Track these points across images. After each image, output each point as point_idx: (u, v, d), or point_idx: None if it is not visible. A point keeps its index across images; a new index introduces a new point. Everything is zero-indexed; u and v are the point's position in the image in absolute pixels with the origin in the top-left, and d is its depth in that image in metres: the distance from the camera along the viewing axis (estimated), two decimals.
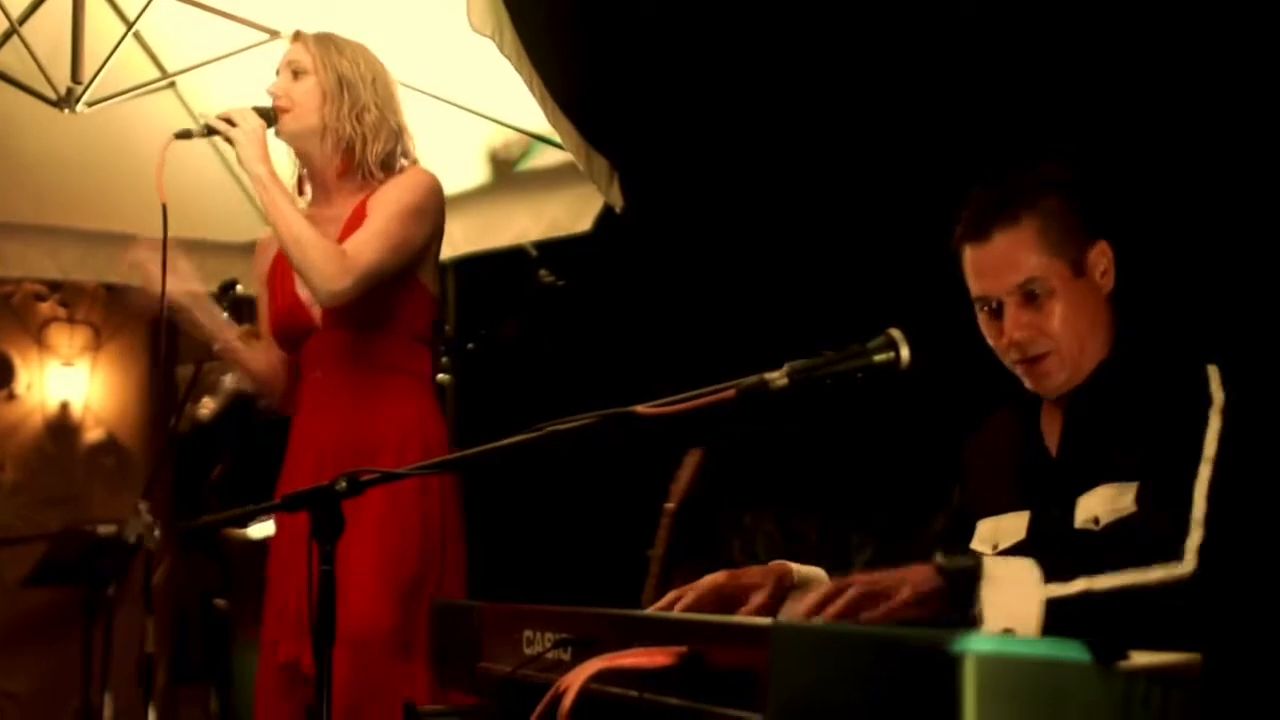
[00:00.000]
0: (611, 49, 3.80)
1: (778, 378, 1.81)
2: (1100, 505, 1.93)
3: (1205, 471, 1.86)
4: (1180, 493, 1.85)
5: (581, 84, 3.60)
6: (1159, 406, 1.95)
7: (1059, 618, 1.71)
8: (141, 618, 4.83)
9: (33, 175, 4.41)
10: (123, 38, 3.81)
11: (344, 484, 1.91)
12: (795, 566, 2.06)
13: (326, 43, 2.99)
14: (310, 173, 3.04)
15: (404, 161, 3.01)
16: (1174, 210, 2.90)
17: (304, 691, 2.76)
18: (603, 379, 3.33)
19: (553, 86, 3.47)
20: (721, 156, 4.07)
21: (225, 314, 3.24)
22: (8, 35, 3.74)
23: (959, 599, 1.71)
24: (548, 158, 4.11)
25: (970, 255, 2.09)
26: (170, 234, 2.91)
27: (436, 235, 3.00)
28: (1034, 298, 2.04)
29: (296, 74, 2.97)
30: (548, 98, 3.49)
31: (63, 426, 6.67)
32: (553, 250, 4.44)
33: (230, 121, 2.85)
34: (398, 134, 3.00)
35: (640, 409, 1.83)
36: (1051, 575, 1.74)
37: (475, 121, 3.99)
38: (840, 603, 1.70)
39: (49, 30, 3.75)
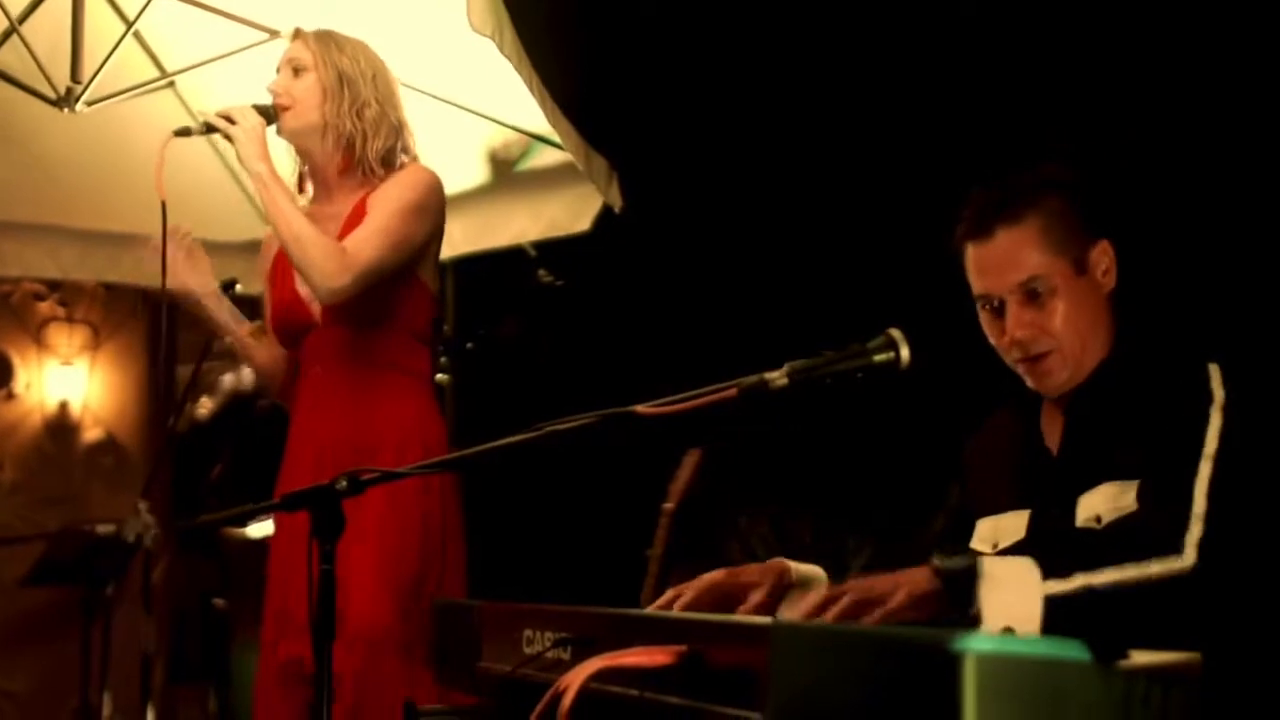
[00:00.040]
0: (611, 49, 3.80)
1: (778, 377, 1.81)
2: (1102, 504, 1.93)
3: (1205, 468, 1.86)
4: (1180, 489, 1.85)
5: (581, 84, 3.60)
6: (1160, 404, 1.96)
7: (1059, 614, 1.70)
8: (140, 617, 4.83)
9: (32, 174, 4.41)
10: (122, 37, 3.80)
11: (344, 483, 1.91)
12: (794, 565, 2.06)
13: (326, 40, 3.00)
14: (311, 170, 3.04)
15: (404, 158, 3.01)
16: (1174, 209, 2.90)
17: (306, 690, 2.76)
18: (602, 379, 3.33)
19: (552, 86, 3.47)
20: (721, 156, 4.07)
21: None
22: (7, 34, 3.73)
23: (957, 599, 1.71)
24: (547, 158, 4.11)
25: (972, 253, 2.09)
26: (165, 223, 2.91)
27: (437, 233, 3.00)
28: (1036, 296, 2.04)
29: (297, 71, 2.97)
30: (547, 98, 3.49)
31: (61, 426, 6.67)
32: (552, 250, 4.44)
33: (230, 119, 2.85)
34: (398, 130, 3.00)
35: (640, 409, 1.83)
36: (1051, 573, 1.74)
37: (475, 121, 3.99)
38: (835, 610, 1.70)
39: (49, 29, 3.74)
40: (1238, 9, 2.82)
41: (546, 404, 2.09)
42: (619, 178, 3.84)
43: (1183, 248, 2.87)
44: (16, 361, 6.62)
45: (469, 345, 4.80)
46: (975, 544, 2.13)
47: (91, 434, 6.73)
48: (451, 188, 3.10)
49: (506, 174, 4.25)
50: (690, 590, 1.97)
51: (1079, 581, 1.74)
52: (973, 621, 1.69)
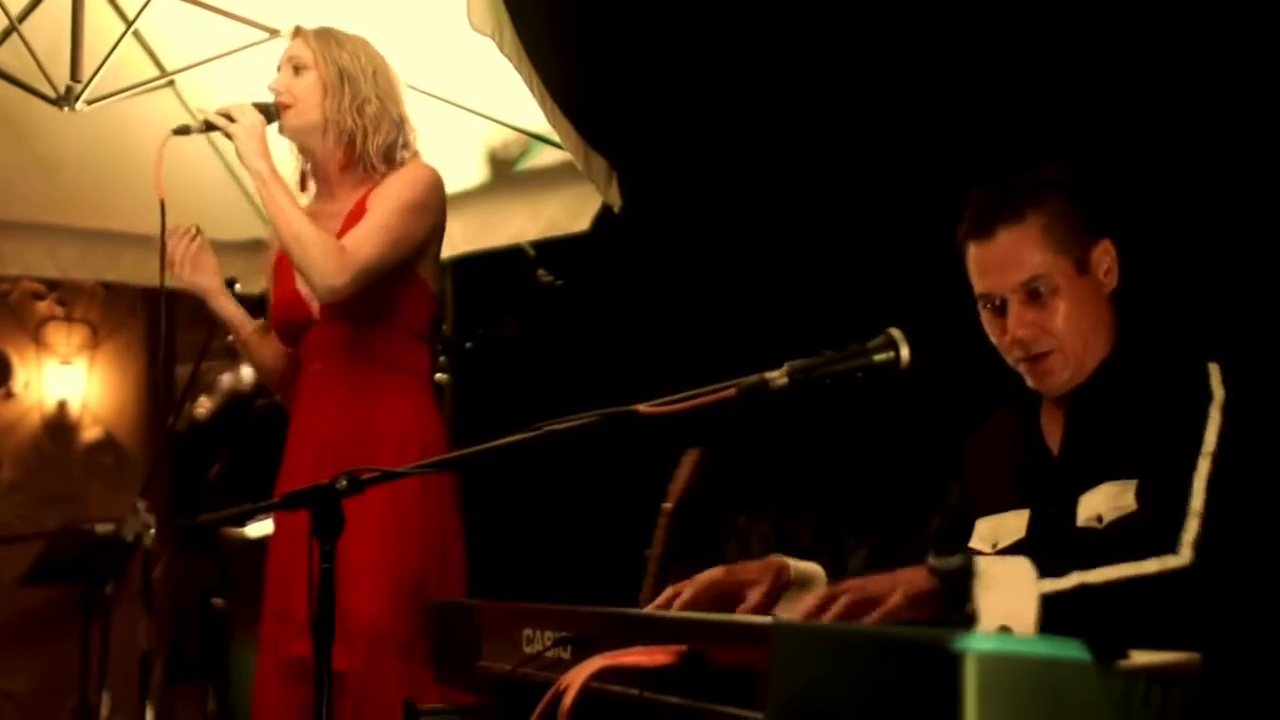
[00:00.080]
0: (611, 49, 3.79)
1: (778, 377, 1.82)
2: (1103, 503, 1.93)
3: (1204, 466, 1.86)
4: (1179, 487, 1.85)
5: (581, 84, 3.60)
6: (1159, 403, 1.96)
7: (1055, 613, 1.71)
8: (139, 616, 4.83)
9: (31, 173, 4.41)
10: (122, 36, 3.80)
11: (344, 482, 1.91)
12: (793, 562, 2.06)
13: (327, 37, 3.00)
14: (313, 168, 3.05)
15: (405, 154, 3.01)
16: (1175, 209, 2.90)
17: (308, 690, 2.75)
18: (601, 379, 3.33)
19: (552, 86, 3.47)
20: (720, 156, 4.06)
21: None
22: (7, 33, 3.73)
23: (953, 598, 1.72)
24: (546, 157, 4.11)
25: (974, 253, 2.09)
26: (164, 222, 2.92)
27: (437, 230, 3.00)
28: (1038, 296, 2.04)
29: (297, 69, 2.97)
30: (547, 97, 3.48)
31: (60, 425, 6.67)
32: (551, 250, 4.44)
33: (229, 117, 2.85)
34: (399, 125, 3.00)
35: (641, 408, 1.84)
36: (1047, 571, 1.74)
37: (474, 121, 3.99)
38: (833, 610, 1.70)
39: (48, 28, 3.74)
40: (1238, 9, 2.82)
41: (545, 404, 2.09)
42: (618, 177, 3.84)
43: (1183, 247, 2.86)
44: (15, 360, 6.62)
45: (468, 345, 4.79)
46: (975, 543, 2.13)
47: (90, 433, 6.73)
48: (451, 187, 3.10)
49: (506, 173, 4.25)
50: (689, 588, 1.96)
51: (1074, 580, 1.74)
52: (968, 620, 1.69)
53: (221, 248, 4.49)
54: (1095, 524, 1.92)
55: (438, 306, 3.11)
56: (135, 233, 4.42)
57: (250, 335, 3.15)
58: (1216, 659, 1.38)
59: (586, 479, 4.26)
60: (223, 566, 5.66)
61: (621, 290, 4.68)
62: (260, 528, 4.87)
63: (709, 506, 3.83)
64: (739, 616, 1.89)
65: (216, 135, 2.94)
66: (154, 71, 4.14)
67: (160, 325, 3.13)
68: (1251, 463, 1.90)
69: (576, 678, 1.43)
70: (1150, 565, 1.78)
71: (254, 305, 3.30)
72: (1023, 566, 1.75)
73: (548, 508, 4.74)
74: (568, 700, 1.42)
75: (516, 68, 3.33)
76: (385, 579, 2.81)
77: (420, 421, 2.97)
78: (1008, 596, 1.71)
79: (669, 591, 1.99)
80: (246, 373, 6.29)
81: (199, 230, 3.09)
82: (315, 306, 2.97)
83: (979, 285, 2.10)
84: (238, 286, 3.42)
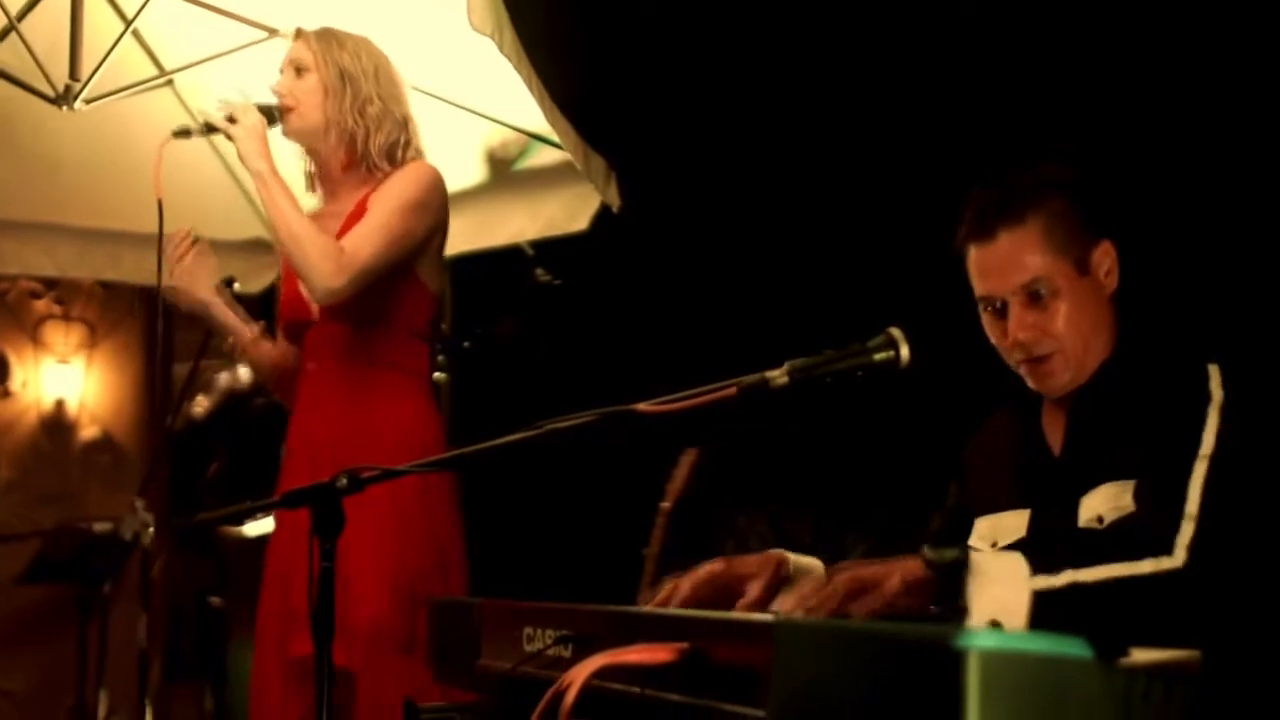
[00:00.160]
0: (610, 49, 3.80)
1: (778, 376, 1.82)
2: (1103, 504, 1.94)
3: (1201, 468, 1.87)
4: (1175, 488, 1.86)
5: (580, 84, 3.61)
6: (1159, 404, 1.96)
7: (1047, 610, 1.71)
8: (137, 615, 4.83)
9: (30, 172, 4.41)
10: (121, 35, 3.80)
11: (344, 480, 1.92)
12: (792, 557, 2.05)
13: (328, 38, 3.00)
14: (318, 169, 3.05)
15: (408, 153, 3.01)
16: (1175, 209, 2.90)
17: (309, 688, 2.76)
18: (599, 379, 3.33)
19: (551, 86, 3.47)
20: (720, 156, 4.07)
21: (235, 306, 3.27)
22: (6, 32, 3.73)
23: (946, 591, 1.72)
24: (545, 157, 4.11)
25: (975, 255, 2.09)
26: (167, 229, 2.93)
27: (438, 230, 3.00)
28: (1039, 298, 2.04)
29: (299, 71, 2.97)
30: (546, 97, 3.49)
31: (58, 424, 6.66)
32: (549, 249, 4.44)
33: (231, 117, 2.85)
34: (402, 125, 3.01)
35: (641, 407, 1.84)
36: (1042, 568, 1.75)
37: (473, 120, 3.99)
38: (829, 595, 1.70)
39: (47, 27, 3.74)
40: (1238, 9, 2.83)
41: (544, 403, 2.09)
42: (617, 177, 3.84)
43: (1184, 248, 2.87)
44: (13, 359, 6.61)
45: (466, 344, 4.80)
46: (974, 542, 2.13)
47: (88, 432, 6.73)
48: (450, 187, 3.10)
49: (505, 173, 4.25)
50: (688, 582, 1.96)
51: (1067, 578, 1.75)
52: (960, 614, 1.70)
53: (221, 247, 4.50)
54: (1096, 525, 1.93)
55: (438, 307, 3.10)
56: (134, 232, 4.41)
57: (249, 342, 3.16)
58: (1213, 659, 1.39)
59: (585, 478, 4.26)
60: (220, 565, 5.66)
61: (620, 290, 4.68)
62: (258, 527, 4.87)
63: (707, 506, 3.83)
64: (741, 614, 1.89)
65: (216, 135, 2.94)
66: (153, 71, 4.14)
67: (158, 324, 3.12)
68: (1249, 465, 1.91)
69: (578, 675, 1.43)
70: (1144, 566, 1.79)
71: (252, 305, 3.31)
72: (1016, 562, 1.75)
73: (546, 507, 4.74)
74: (569, 698, 1.42)
75: (516, 68, 3.33)
76: (385, 578, 2.81)
77: (419, 421, 2.97)
78: (1000, 591, 1.72)
79: (668, 585, 1.99)
80: (244, 372, 6.29)
81: (196, 237, 3.09)
82: (315, 307, 2.97)
83: (979, 287, 2.10)
84: (236, 285, 3.43)
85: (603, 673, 1.45)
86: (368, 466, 1.99)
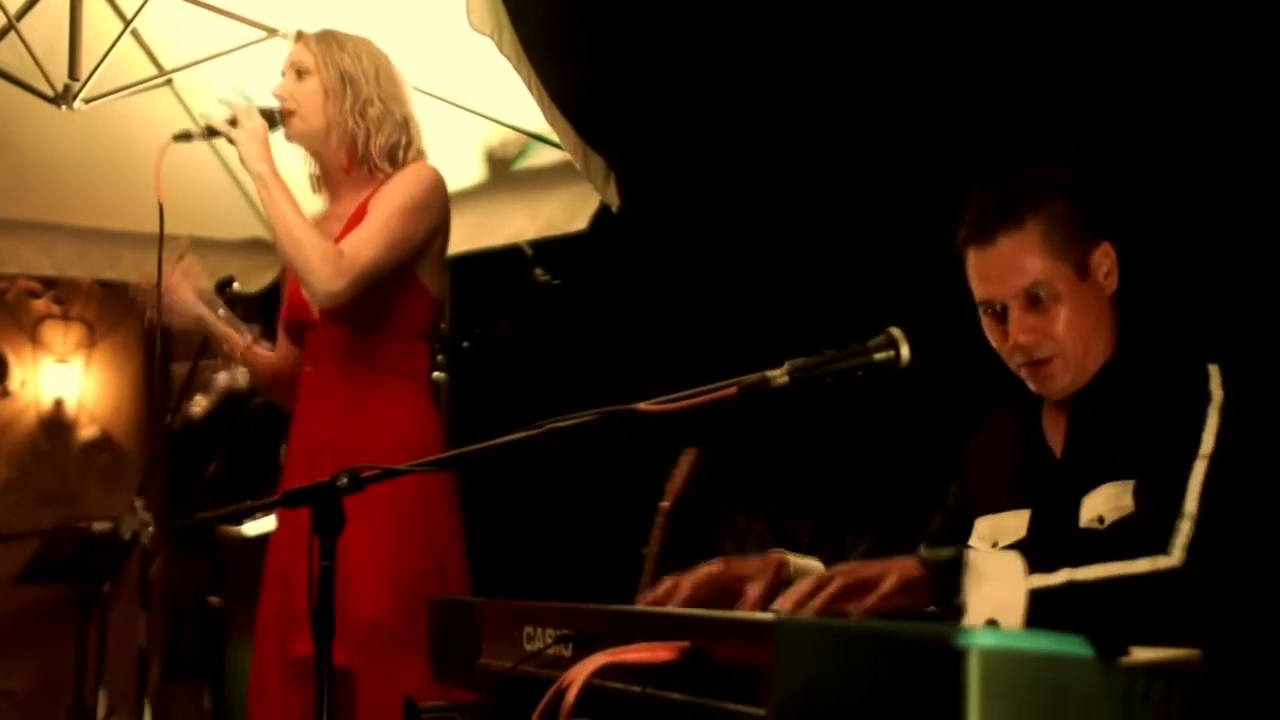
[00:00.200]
0: (610, 49, 3.80)
1: (779, 375, 1.82)
2: (1104, 504, 1.94)
3: (1200, 467, 1.87)
4: (1174, 488, 1.86)
5: (579, 84, 3.61)
6: (1159, 404, 1.96)
7: (1043, 608, 1.71)
8: (136, 615, 4.83)
9: (29, 171, 4.41)
10: (120, 35, 3.81)
11: (345, 480, 1.92)
12: (792, 558, 2.06)
13: (328, 40, 3.00)
14: (322, 171, 3.06)
15: (409, 153, 3.01)
16: (1175, 210, 2.90)
17: (310, 687, 2.76)
18: (598, 378, 3.33)
19: (550, 86, 3.48)
20: (719, 156, 4.07)
21: (223, 313, 3.28)
22: (5, 31, 3.74)
23: (943, 591, 1.73)
24: (545, 157, 4.11)
25: (974, 259, 2.10)
26: (166, 231, 2.93)
27: (439, 231, 3.00)
28: (1038, 301, 2.04)
29: (300, 74, 2.98)
30: (545, 97, 3.49)
31: (57, 423, 6.66)
32: (548, 249, 4.44)
33: (233, 120, 2.86)
34: (403, 125, 3.01)
35: (641, 406, 1.84)
36: (1039, 567, 1.75)
37: (472, 120, 4.00)
38: (826, 593, 1.71)
39: (46, 26, 3.75)
40: (1238, 9, 2.83)
41: (543, 403, 2.08)
42: (616, 177, 3.84)
43: (1184, 248, 2.87)
44: (12, 359, 6.61)
45: (465, 344, 4.80)
46: (974, 542, 2.13)
47: (87, 431, 6.73)
48: (449, 186, 3.10)
49: (504, 173, 4.25)
50: (687, 582, 1.96)
51: (1064, 576, 1.75)
52: (957, 613, 1.70)
53: (221, 246, 4.54)
54: (1097, 525, 1.93)
55: (439, 309, 3.10)
56: (133, 231, 4.42)
57: (244, 350, 3.18)
58: (1213, 659, 1.39)
59: (584, 478, 4.26)
60: (219, 565, 5.65)
61: (619, 290, 4.68)
62: (257, 526, 4.86)
63: (706, 506, 3.83)
64: (742, 613, 1.89)
65: (217, 138, 2.95)
66: (152, 70, 4.14)
67: (157, 324, 3.12)
68: (1249, 465, 1.91)
69: (579, 674, 1.44)
70: (1140, 565, 1.79)
71: (251, 305, 3.31)
72: (1013, 562, 1.76)
73: (545, 506, 4.74)
74: (570, 697, 1.42)
75: (515, 67, 3.33)
76: (385, 577, 2.82)
77: (418, 422, 2.98)
78: (996, 591, 1.72)
79: (667, 583, 1.98)
80: (242, 371, 6.29)
81: (186, 250, 3.09)
82: (316, 309, 2.97)
83: (979, 291, 2.10)
84: (236, 285, 3.43)
85: (603, 672, 1.45)
86: (368, 466, 1.99)
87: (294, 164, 3.11)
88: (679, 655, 1.40)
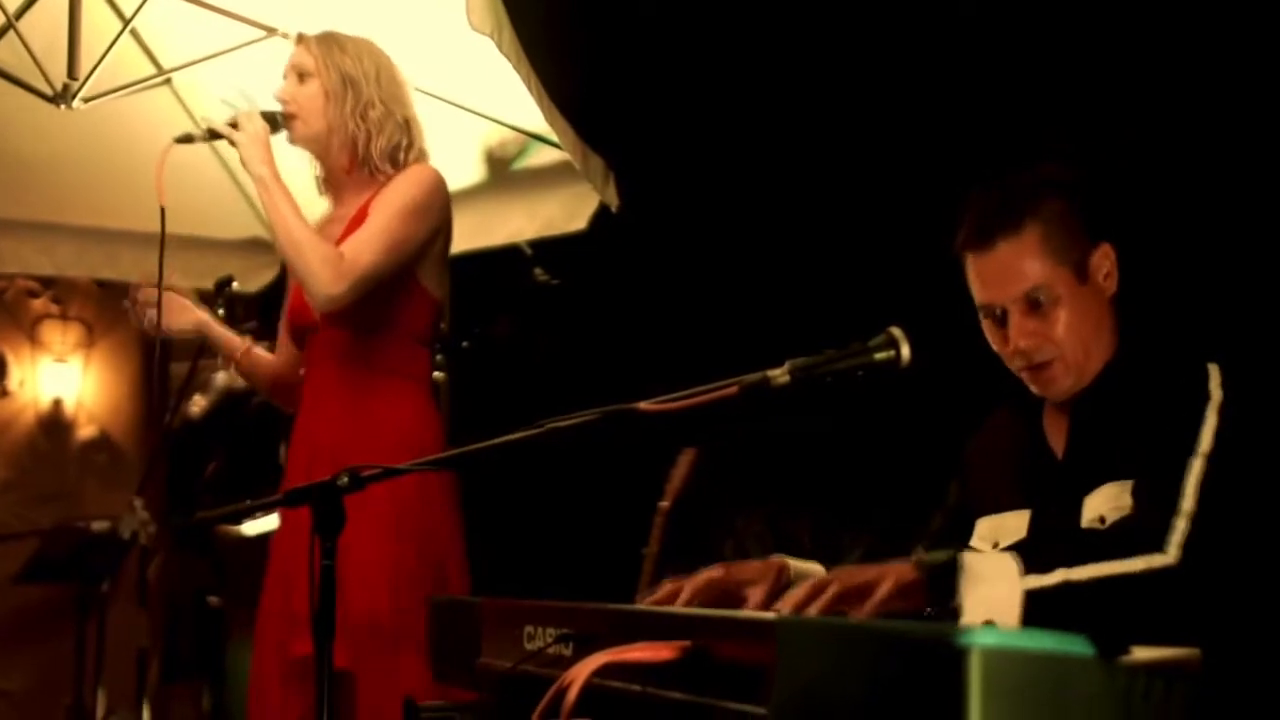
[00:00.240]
0: (609, 49, 3.80)
1: (779, 375, 1.82)
2: (1105, 504, 1.94)
3: (1197, 466, 1.87)
4: (1171, 486, 1.86)
5: (579, 83, 3.61)
6: (1158, 403, 1.97)
7: (1039, 609, 1.72)
8: (134, 614, 4.83)
9: (28, 171, 4.41)
10: (119, 34, 3.81)
11: (345, 479, 1.92)
12: (793, 562, 2.06)
13: (329, 42, 3.00)
14: (325, 173, 3.06)
15: (410, 155, 3.00)
16: (1175, 210, 2.90)
17: (310, 687, 2.76)
18: (597, 379, 3.33)
19: (550, 86, 3.48)
20: (719, 156, 4.07)
21: (222, 313, 3.29)
22: (4, 30, 3.74)
23: (939, 593, 1.73)
24: (544, 157, 4.11)
25: (973, 264, 2.10)
26: (167, 230, 2.93)
27: (440, 233, 3.00)
28: (1038, 306, 2.04)
29: (301, 77, 2.98)
30: (545, 97, 3.49)
31: (55, 423, 6.66)
32: (547, 249, 4.44)
33: (234, 124, 2.86)
34: (404, 127, 3.00)
35: (642, 406, 1.84)
36: (1035, 568, 1.75)
37: (472, 120, 4.00)
38: (822, 600, 1.71)
39: (45, 26, 3.75)
40: (1238, 9, 2.83)
41: (542, 403, 2.09)
42: (615, 177, 3.84)
43: (1184, 248, 2.87)
44: (10, 358, 6.61)
45: (464, 344, 4.80)
46: (975, 543, 2.14)
47: (85, 431, 6.73)
48: (448, 186, 3.10)
49: (503, 173, 4.25)
50: (688, 586, 1.96)
51: (1059, 577, 1.75)
52: (954, 614, 1.71)
53: (220, 245, 4.54)
54: (1099, 525, 1.93)
55: (440, 311, 3.10)
56: (132, 231, 4.42)
57: (241, 357, 3.19)
58: (1212, 658, 1.39)
59: (584, 477, 4.26)
60: (218, 565, 5.65)
61: (618, 290, 4.68)
62: (256, 526, 4.86)
63: (706, 506, 3.83)
64: (743, 612, 1.89)
65: (219, 140, 2.95)
66: (151, 69, 4.14)
67: (156, 325, 3.13)
68: (1247, 464, 1.91)
69: (580, 673, 1.44)
70: (1136, 564, 1.79)
71: (250, 305, 3.32)
72: (1008, 563, 1.76)
73: (544, 506, 4.74)
74: (571, 696, 1.43)
75: (515, 67, 3.34)
76: (385, 577, 2.82)
77: (418, 422, 2.97)
78: (992, 592, 1.72)
79: (668, 587, 1.98)
80: None
81: (155, 291, 3.10)
82: (316, 312, 2.98)
83: (979, 296, 2.10)
84: (235, 284, 3.44)
85: (604, 671, 1.45)
86: (368, 465, 1.99)
87: (301, 167, 3.11)
88: (680, 654, 1.40)
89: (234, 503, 4.31)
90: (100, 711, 5.52)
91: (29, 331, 6.66)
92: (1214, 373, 1.95)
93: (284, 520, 3.02)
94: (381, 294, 2.90)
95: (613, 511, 3.99)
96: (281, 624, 2.86)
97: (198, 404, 6.13)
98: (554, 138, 3.72)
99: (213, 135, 2.91)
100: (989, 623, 1.69)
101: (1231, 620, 1.87)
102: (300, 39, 3.04)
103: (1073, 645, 1.15)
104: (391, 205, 2.90)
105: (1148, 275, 2.17)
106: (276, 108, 2.95)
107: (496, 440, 1.95)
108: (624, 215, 3.92)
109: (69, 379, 6.72)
